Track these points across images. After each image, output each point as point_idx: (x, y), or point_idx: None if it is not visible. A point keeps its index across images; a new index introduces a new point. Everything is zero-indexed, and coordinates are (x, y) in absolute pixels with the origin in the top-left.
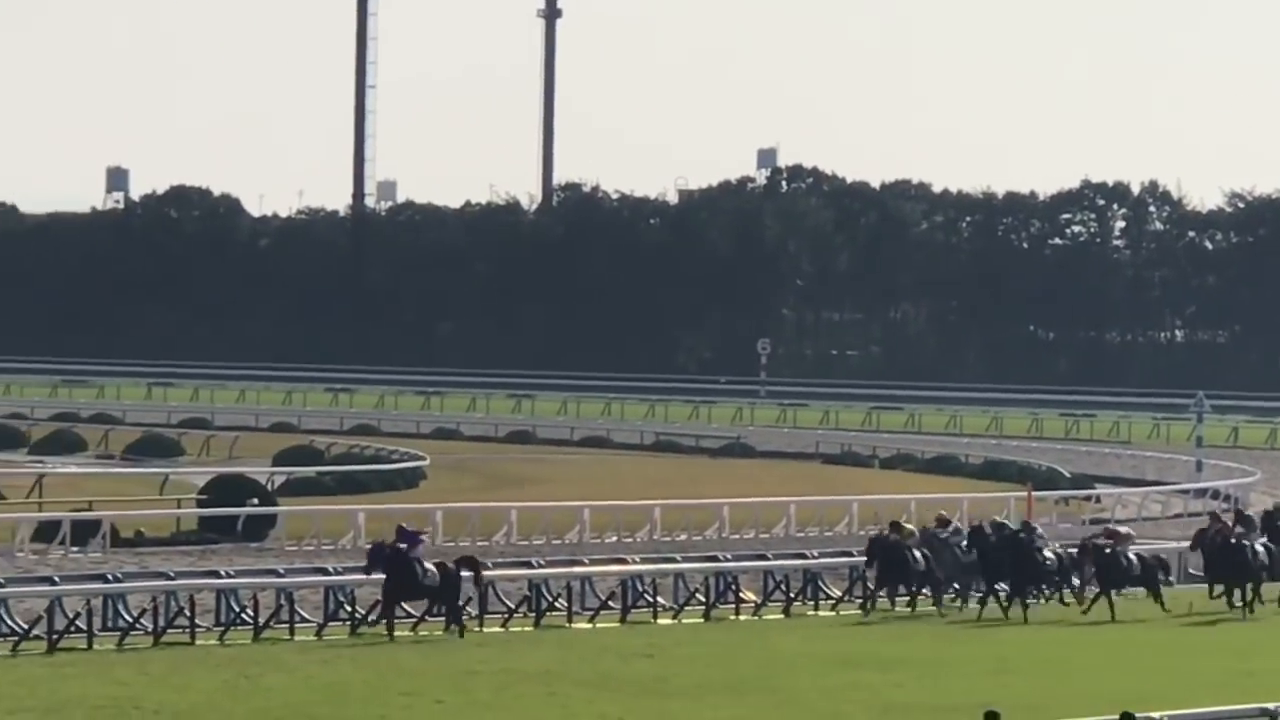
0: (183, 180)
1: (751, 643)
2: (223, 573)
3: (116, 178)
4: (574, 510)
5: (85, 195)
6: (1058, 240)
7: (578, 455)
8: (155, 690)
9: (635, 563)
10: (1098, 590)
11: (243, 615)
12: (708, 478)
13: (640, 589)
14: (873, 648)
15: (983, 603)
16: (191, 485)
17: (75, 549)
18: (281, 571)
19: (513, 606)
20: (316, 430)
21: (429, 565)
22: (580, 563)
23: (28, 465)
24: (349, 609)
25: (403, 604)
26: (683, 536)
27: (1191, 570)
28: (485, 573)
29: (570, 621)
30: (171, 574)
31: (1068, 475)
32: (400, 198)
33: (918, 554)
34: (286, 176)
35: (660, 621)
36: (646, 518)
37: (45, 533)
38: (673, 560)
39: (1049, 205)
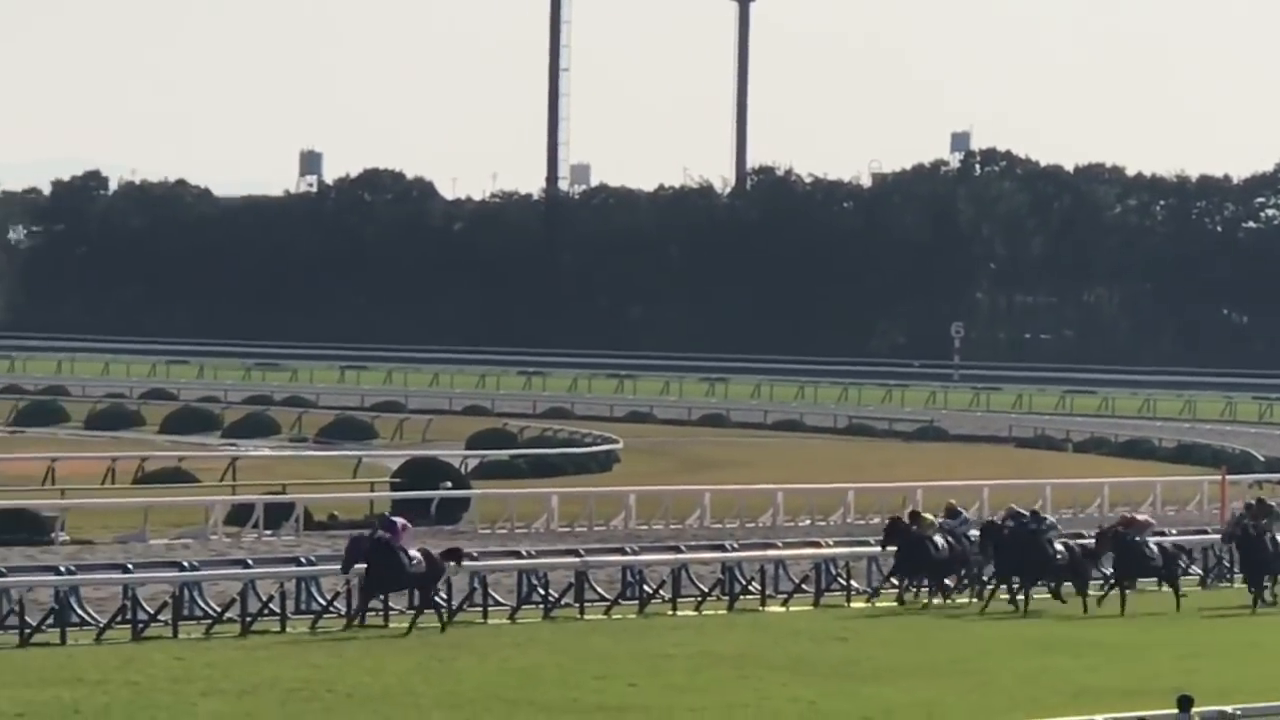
0: (376, 163)
1: (945, 626)
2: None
3: (310, 161)
4: (768, 493)
5: (279, 179)
6: (1251, 224)
7: (771, 438)
8: (348, 673)
9: (829, 546)
10: (1113, 581)
11: (436, 599)
12: (900, 461)
13: (834, 572)
14: (1066, 632)
15: (993, 594)
16: (384, 468)
17: (268, 532)
18: (475, 555)
19: (706, 590)
20: (510, 413)
21: (414, 553)
22: (774, 546)
23: (221, 448)
24: (542, 592)
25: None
26: (875, 520)
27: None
28: (470, 562)
29: (764, 605)
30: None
31: (1261, 459)
32: (594, 181)
33: (939, 541)
34: (480, 160)
35: (854, 605)
36: (840, 501)
37: (238, 516)
38: (866, 544)
39: (1243, 189)
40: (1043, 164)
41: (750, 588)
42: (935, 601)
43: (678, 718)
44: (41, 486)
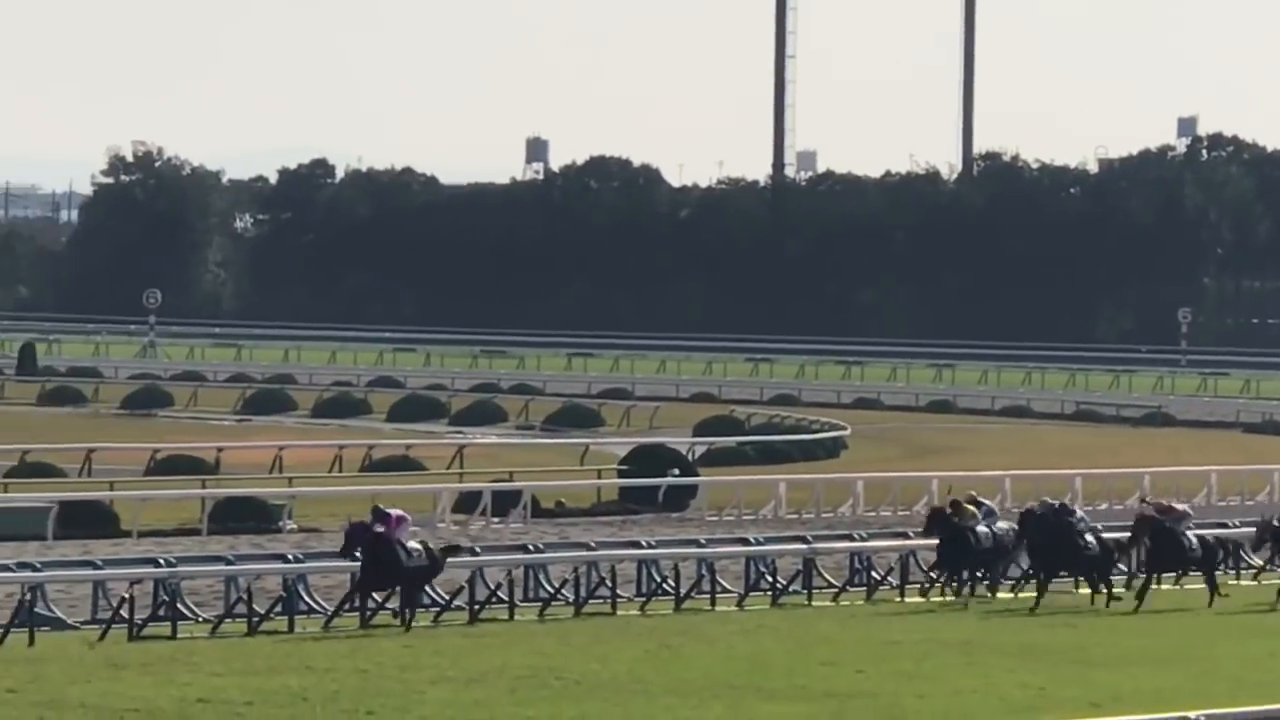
0: (602, 151)
1: (1173, 612)
2: (644, 543)
3: (536, 148)
4: (995, 480)
5: (505, 167)
6: None
7: (998, 424)
8: (576, 660)
9: None
10: (1147, 572)
11: (664, 586)
12: (1128, 447)
13: None
14: None
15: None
16: (612, 455)
17: (496, 519)
18: (703, 542)
19: (934, 576)
20: (737, 400)
21: (414, 545)
22: None
23: (448, 436)
24: (770, 579)
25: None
26: (1103, 506)
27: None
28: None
29: (992, 592)
30: (592, 544)
31: None
32: (820, 167)
33: (982, 531)
34: (706, 147)
35: (1080, 591)
36: (1068, 487)
37: (466, 503)
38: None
39: None
40: (1269, 149)
41: (978, 574)
42: (979, 594)
43: (905, 704)
44: (269, 475)
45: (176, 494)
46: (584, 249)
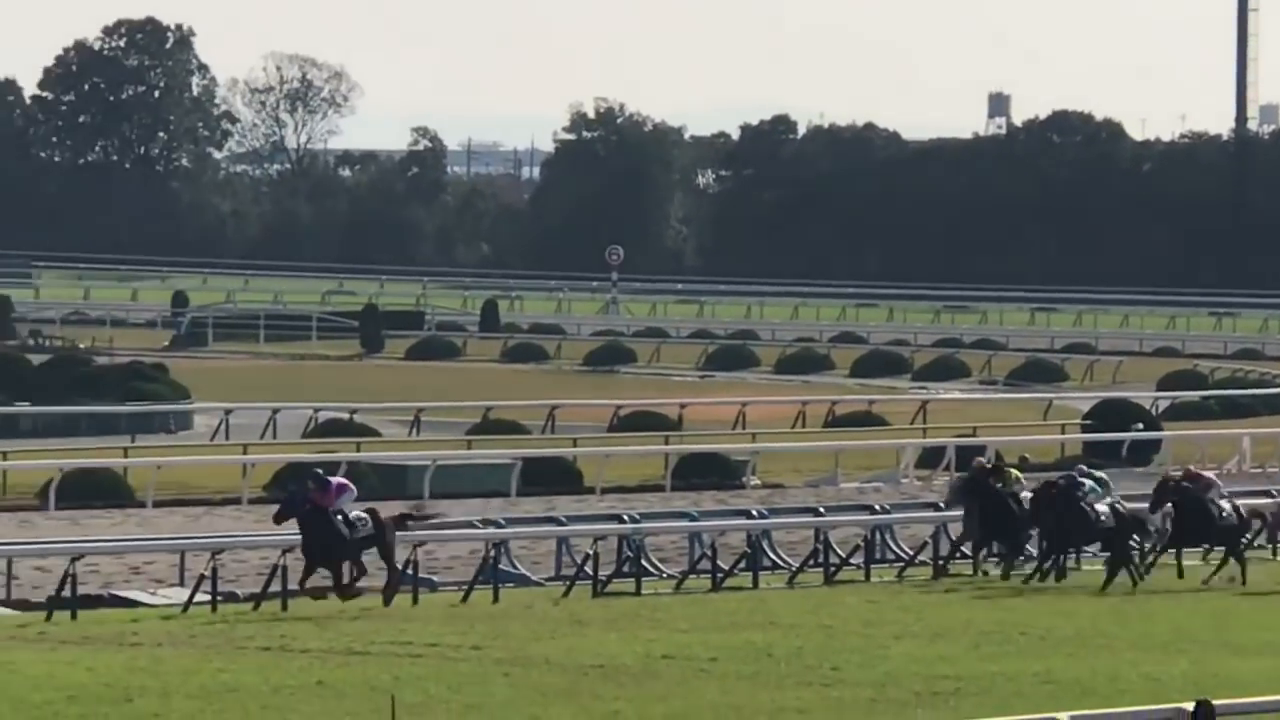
0: (1064, 105)
1: None
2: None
3: (998, 103)
4: None
5: (967, 121)
6: None
7: None
8: (1041, 616)
9: None
10: (1174, 543)
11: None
12: None
13: None
14: None
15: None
16: (1075, 411)
17: (960, 474)
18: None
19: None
20: (1200, 354)
21: (358, 513)
22: None
23: (912, 391)
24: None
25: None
26: None
27: None
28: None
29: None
30: None
31: None
32: None
33: (1025, 497)
34: (1169, 100)
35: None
36: None
37: (929, 458)
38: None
39: None
40: None
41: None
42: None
43: None
44: (732, 430)
45: (639, 450)
46: (1046, 203)
